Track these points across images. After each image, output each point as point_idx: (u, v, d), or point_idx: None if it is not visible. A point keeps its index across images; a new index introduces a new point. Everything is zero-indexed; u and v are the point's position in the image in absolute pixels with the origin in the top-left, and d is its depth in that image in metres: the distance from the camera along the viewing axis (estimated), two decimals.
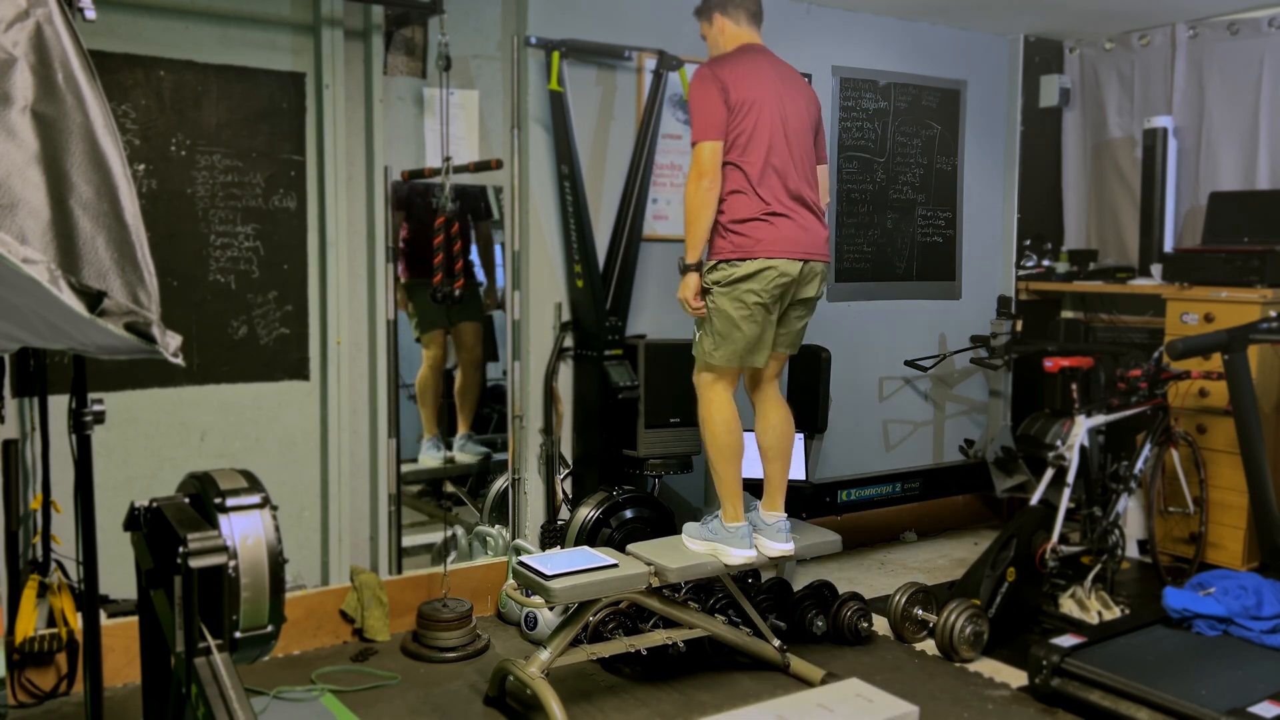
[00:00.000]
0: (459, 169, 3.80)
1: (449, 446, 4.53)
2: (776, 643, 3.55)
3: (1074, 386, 4.13)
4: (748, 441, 3.54)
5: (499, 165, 3.88)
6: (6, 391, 3.14)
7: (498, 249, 4.44)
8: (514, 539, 4.20)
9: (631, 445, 4.14)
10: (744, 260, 3.24)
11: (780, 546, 3.41)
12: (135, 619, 2.31)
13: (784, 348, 3.47)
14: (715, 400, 3.37)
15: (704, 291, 3.32)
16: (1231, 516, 4.51)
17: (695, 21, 4.46)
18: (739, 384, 3.45)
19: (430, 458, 4.47)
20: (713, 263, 3.30)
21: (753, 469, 3.73)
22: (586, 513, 3.94)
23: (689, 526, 3.49)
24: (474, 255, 4.52)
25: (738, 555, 3.33)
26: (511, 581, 3.70)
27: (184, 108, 3.51)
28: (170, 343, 1.46)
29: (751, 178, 3.26)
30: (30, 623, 3.14)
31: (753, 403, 3.54)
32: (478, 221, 4.45)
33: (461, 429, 4.55)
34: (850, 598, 3.85)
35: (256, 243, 3.67)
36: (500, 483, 4.32)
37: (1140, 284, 5.04)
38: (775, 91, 3.32)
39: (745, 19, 3.46)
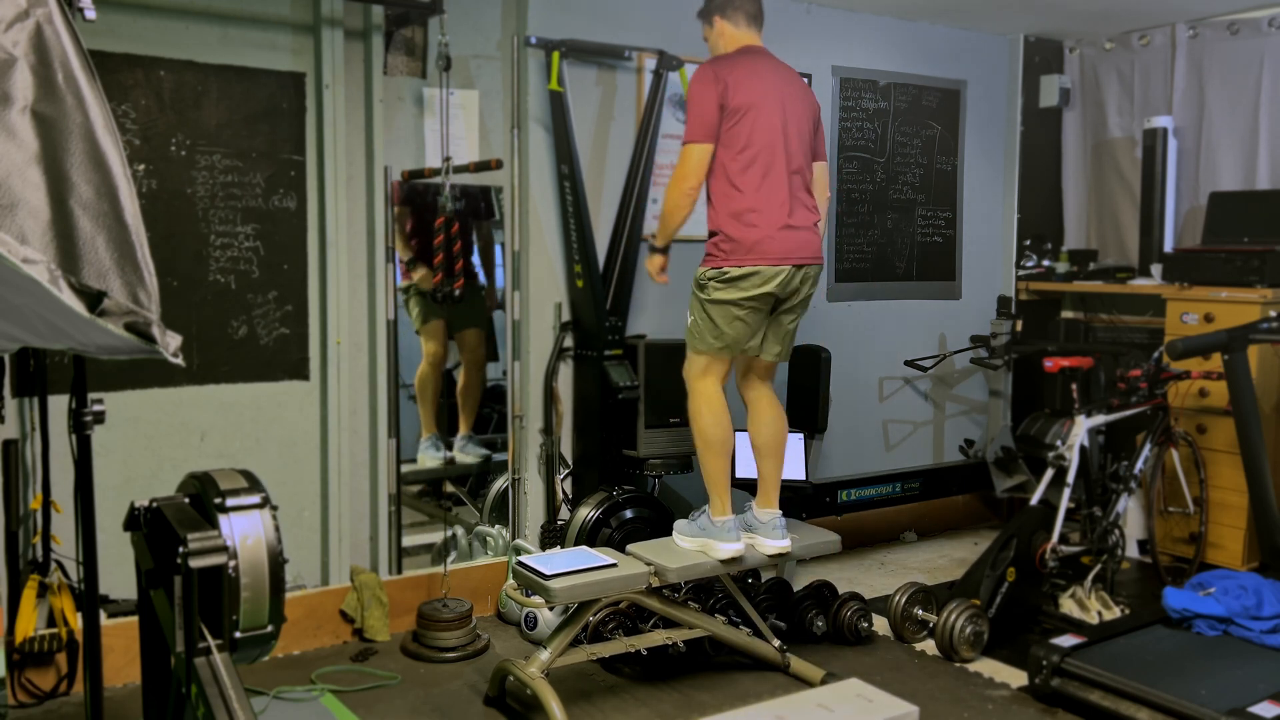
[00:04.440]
0: (459, 169, 3.80)
1: (449, 446, 4.53)
2: (776, 643, 3.55)
3: (1074, 386, 4.13)
4: (742, 441, 3.54)
5: (499, 165, 3.88)
6: (6, 391, 3.14)
7: (498, 249, 4.44)
8: (514, 539, 4.20)
9: (631, 445, 4.14)
10: (738, 265, 3.27)
11: (776, 544, 3.41)
12: (135, 619, 2.31)
13: (774, 354, 3.47)
14: (704, 393, 3.39)
15: (698, 286, 3.36)
16: (1231, 516, 4.51)
17: (695, 22, 4.46)
18: (731, 380, 3.47)
19: (429, 457, 4.48)
20: (707, 267, 3.33)
21: (747, 469, 3.74)
22: (586, 513, 3.94)
23: (679, 524, 3.50)
24: (474, 256, 4.52)
25: (726, 549, 3.34)
26: (511, 581, 3.70)
27: (184, 108, 3.51)
28: (170, 343, 1.46)
29: (748, 180, 3.27)
30: (30, 623, 3.14)
31: (745, 401, 3.55)
32: (479, 222, 4.46)
33: (463, 429, 4.55)
34: (850, 598, 3.85)
35: (256, 243, 3.67)
36: (500, 483, 4.32)
37: (1140, 284, 5.04)
38: (775, 93, 3.32)
39: (745, 21, 3.46)
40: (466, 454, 4.54)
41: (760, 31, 3.51)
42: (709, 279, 3.31)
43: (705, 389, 3.39)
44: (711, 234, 3.35)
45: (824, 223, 3.52)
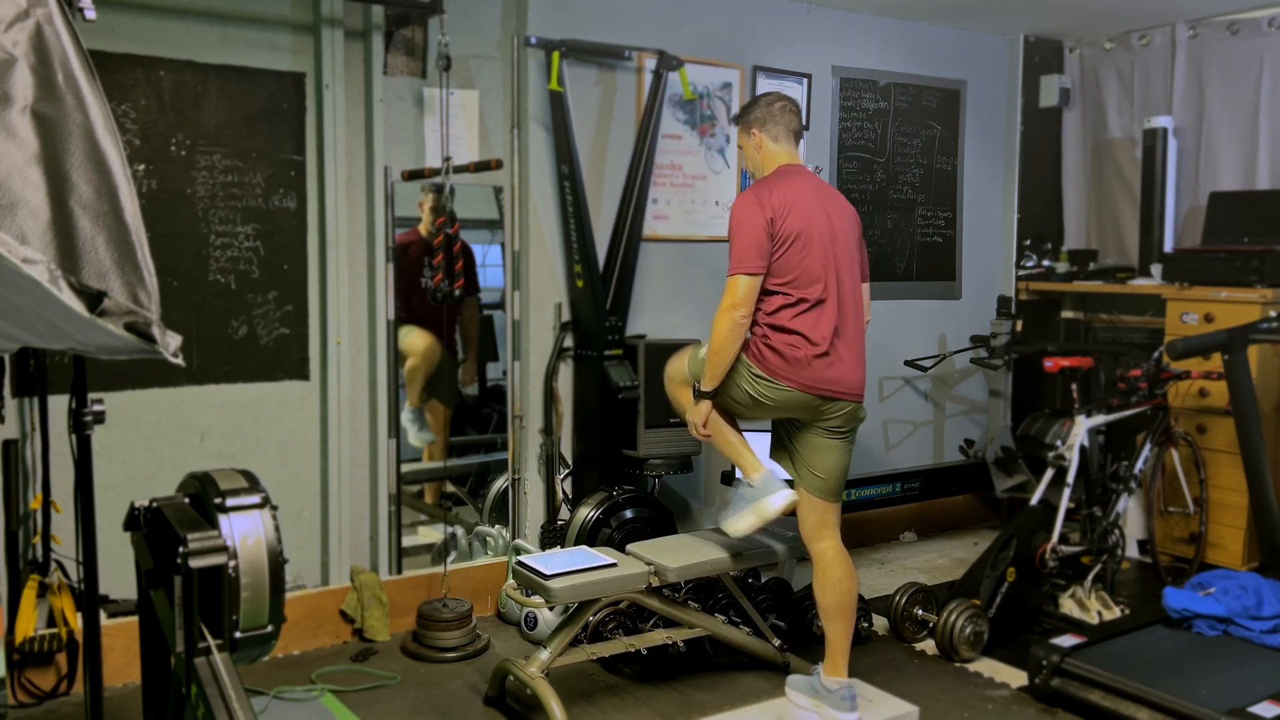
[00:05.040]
0: (459, 169, 3.80)
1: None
2: (776, 642, 3.55)
3: (1074, 386, 4.13)
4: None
5: (499, 165, 3.88)
6: (6, 391, 3.14)
7: (488, 250, 4.43)
8: (514, 539, 4.20)
9: (631, 445, 4.14)
10: (770, 376, 3.09)
11: (846, 716, 3.15)
12: (135, 619, 2.31)
13: (812, 488, 3.19)
14: (690, 393, 3.26)
15: (731, 369, 3.14)
16: (1231, 516, 4.51)
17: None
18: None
19: (413, 433, 4.39)
20: (747, 360, 3.12)
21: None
22: (586, 513, 3.94)
23: (722, 516, 3.29)
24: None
25: (778, 500, 3.11)
26: (511, 581, 3.70)
27: (184, 108, 3.51)
28: (170, 343, 1.46)
29: (801, 310, 3.07)
30: (30, 623, 3.14)
31: (810, 554, 3.27)
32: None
33: (411, 403, 4.43)
34: None
35: (256, 243, 3.67)
36: (500, 483, 4.32)
37: (1140, 284, 5.04)
38: (823, 218, 3.12)
39: (785, 137, 3.23)
40: (413, 434, 4.45)
41: (799, 147, 3.29)
42: (743, 363, 3.12)
43: (689, 392, 3.28)
44: (755, 330, 3.12)
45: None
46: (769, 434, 3.75)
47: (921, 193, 5.32)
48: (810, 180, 3.21)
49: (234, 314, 3.65)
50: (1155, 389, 4.26)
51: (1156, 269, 4.99)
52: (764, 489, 3.14)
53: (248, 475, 2.03)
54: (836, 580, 3.18)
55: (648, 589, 3.29)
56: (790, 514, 3.20)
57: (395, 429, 3.92)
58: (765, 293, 3.08)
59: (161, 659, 2.03)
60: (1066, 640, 3.43)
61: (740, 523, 3.19)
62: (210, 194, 3.57)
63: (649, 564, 3.28)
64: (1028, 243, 5.58)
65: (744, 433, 3.26)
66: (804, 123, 3.35)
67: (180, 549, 1.81)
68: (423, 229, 4.13)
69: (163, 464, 3.54)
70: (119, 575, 3.30)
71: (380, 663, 3.64)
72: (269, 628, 1.93)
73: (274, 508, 1.98)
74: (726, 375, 3.13)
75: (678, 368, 3.33)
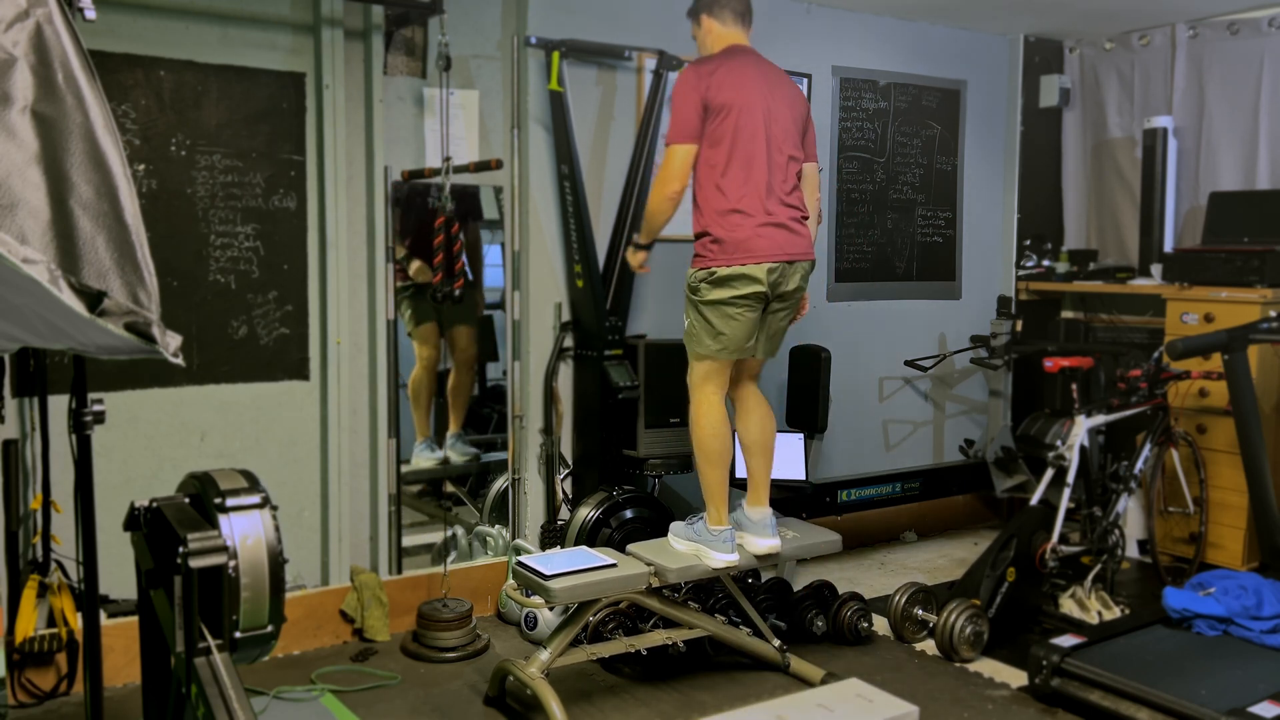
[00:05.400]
0: (459, 169, 3.80)
1: (441, 445, 4.52)
2: (776, 643, 3.55)
3: (1074, 386, 4.13)
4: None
5: (499, 165, 3.88)
6: (6, 391, 3.14)
7: (488, 249, 4.44)
8: (514, 539, 4.20)
9: (631, 445, 4.14)
10: (726, 266, 3.25)
11: (766, 543, 3.40)
12: (135, 619, 2.31)
13: (763, 351, 3.46)
14: (705, 402, 3.37)
15: (691, 289, 3.34)
16: (1231, 516, 4.51)
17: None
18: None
19: (423, 459, 4.46)
20: (695, 269, 3.32)
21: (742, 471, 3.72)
22: (586, 513, 3.94)
23: (674, 526, 3.49)
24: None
25: (720, 559, 3.32)
26: (511, 581, 3.70)
27: (184, 108, 3.51)
28: (170, 343, 1.46)
29: (730, 180, 3.27)
30: (30, 623, 3.14)
31: (733, 400, 3.54)
32: (468, 223, 4.44)
33: (453, 428, 4.54)
34: (850, 598, 3.85)
35: (256, 243, 3.67)
36: (500, 483, 4.32)
37: (1140, 284, 5.04)
38: (759, 93, 3.31)
39: (731, 19, 3.44)
40: (455, 452, 4.53)
41: (748, 30, 3.49)
42: (700, 281, 3.30)
43: (706, 397, 3.37)
44: (698, 235, 3.34)
45: (815, 223, 3.50)
46: (798, 436, 3.83)
47: (921, 193, 5.32)
48: (753, 57, 3.40)
49: (234, 314, 3.65)
50: (1155, 389, 4.26)
51: (1156, 269, 4.99)
52: (714, 542, 3.35)
53: (248, 475, 2.03)
54: (760, 419, 3.48)
55: (648, 589, 3.29)
56: (796, 517, 3.25)
57: (395, 429, 3.92)
58: (703, 177, 3.29)
59: (161, 659, 2.03)
60: (1066, 640, 3.43)
61: (680, 546, 3.41)
62: (210, 194, 3.57)
63: (649, 564, 3.28)
64: (1028, 243, 5.58)
65: (780, 433, 3.37)
66: (750, 3, 3.52)
67: (180, 549, 1.81)
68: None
69: (163, 464, 3.54)
70: (119, 575, 3.30)
71: (380, 663, 3.64)
72: (269, 628, 1.93)
73: (274, 508, 1.98)
74: (695, 320, 3.32)
75: (688, 352, 3.45)
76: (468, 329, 4.57)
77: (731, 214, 3.26)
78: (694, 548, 3.37)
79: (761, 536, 3.41)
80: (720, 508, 3.38)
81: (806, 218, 3.41)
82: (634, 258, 3.58)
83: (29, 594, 3.16)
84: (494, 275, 4.43)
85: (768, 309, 3.38)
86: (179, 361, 1.49)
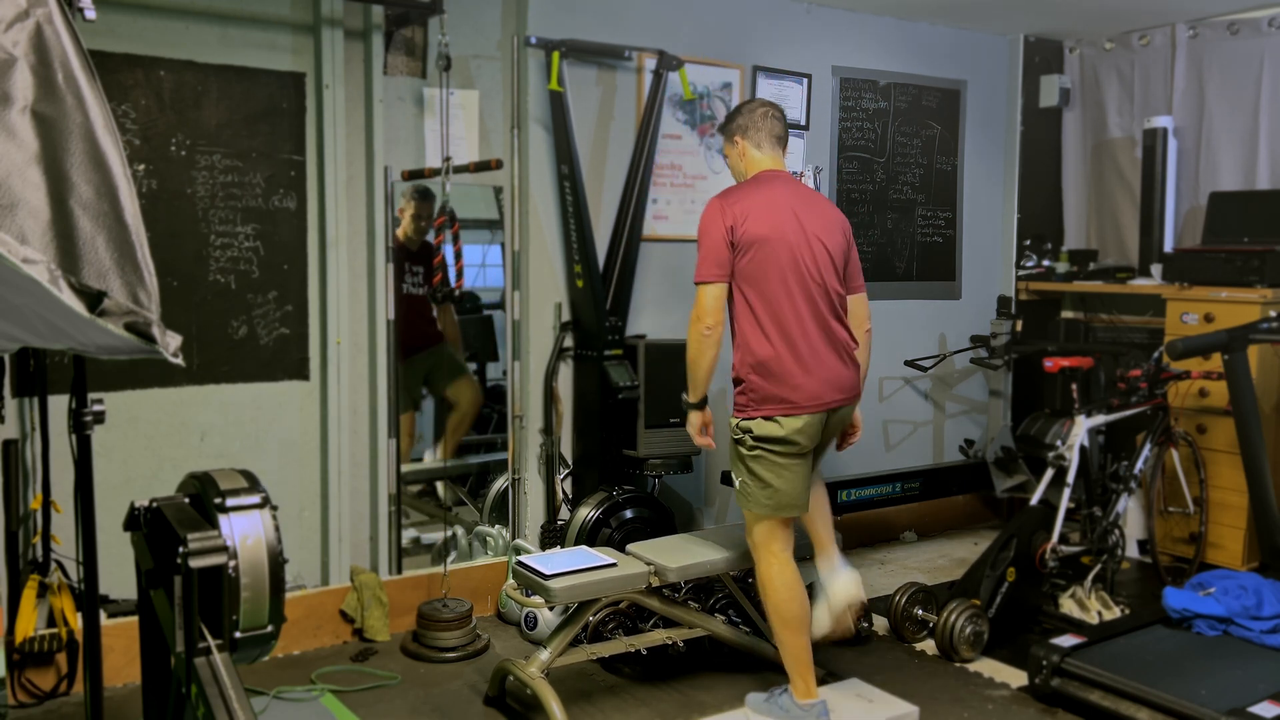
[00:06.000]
0: (459, 169, 3.80)
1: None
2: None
3: (1074, 386, 4.13)
4: None
5: (499, 165, 3.88)
6: (6, 391, 3.14)
7: (488, 249, 4.42)
8: (514, 539, 4.20)
9: (631, 445, 4.14)
10: (768, 419, 3.02)
11: (846, 574, 3.29)
12: (135, 619, 2.32)
13: (784, 510, 3.16)
14: (775, 562, 3.10)
15: (735, 441, 3.10)
16: (1231, 516, 4.51)
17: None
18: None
19: (432, 458, 4.46)
20: (739, 418, 3.08)
21: None
22: (586, 513, 3.94)
23: (752, 699, 3.22)
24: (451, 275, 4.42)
25: None
26: (511, 581, 3.70)
27: (184, 108, 3.51)
28: (170, 343, 1.46)
29: (769, 319, 3.03)
30: (30, 623, 3.14)
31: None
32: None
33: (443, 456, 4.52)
34: None
35: (256, 243, 3.67)
36: (500, 483, 4.32)
37: (1140, 284, 5.04)
38: (794, 223, 3.06)
39: (769, 144, 3.21)
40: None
41: (784, 154, 3.27)
42: (743, 432, 3.06)
43: (775, 555, 3.10)
44: (736, 381, 3.09)
45: (865, 356, 3.27)
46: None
47: (921, 193, 5.32)
48: (787, 185, 3.16)
49: (234, 314, 3.65)
50: (1155, 389, 4.26)
51: (1156, 269, 4.99)
52: (806, 718, 3.09)
53: (248, 475, 2.03)
54: (796, 590, 3.12)
55: (648, 589, 3.29)
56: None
57: (395, 429, 3.92)
58: (741, 317, 3.06)
59: (161, 659, 2.03)
60: (1066, 640, 3.43)
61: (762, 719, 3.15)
62: (210, 194, 3.57)
63: (649, 564, 3.28)
64: (1028, 243, 5.58)
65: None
66: (789, 127, 3.32)
67: (180, 549, 1.81)
68: (400, 234, 4.01)
69: (163, 464, 3.54)
70: (119, 575, 3.30)
71: (380, 663, 3.64)
72: (269, 628, 1.93)
73: (274, 508, 1.98)
74: (748, 474, 3.06)
75: (746, 517, 3.21)
76: (469, 386, 4.52)
77: (770, 362, 3.02)
78: None
79: (841, 575, 3.29)
80: (808, 678, 3.09)
81: (852, 350, 3.16)
82: (693, 423, 3.18)
83: (29, 594, 3.16)
84: (494, 275, 4.42)
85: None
86: (179, 361, 1.49)
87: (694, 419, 3.18)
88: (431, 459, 4.50)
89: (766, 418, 3.02)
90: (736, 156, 3.25)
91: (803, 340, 3.03)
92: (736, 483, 3.14)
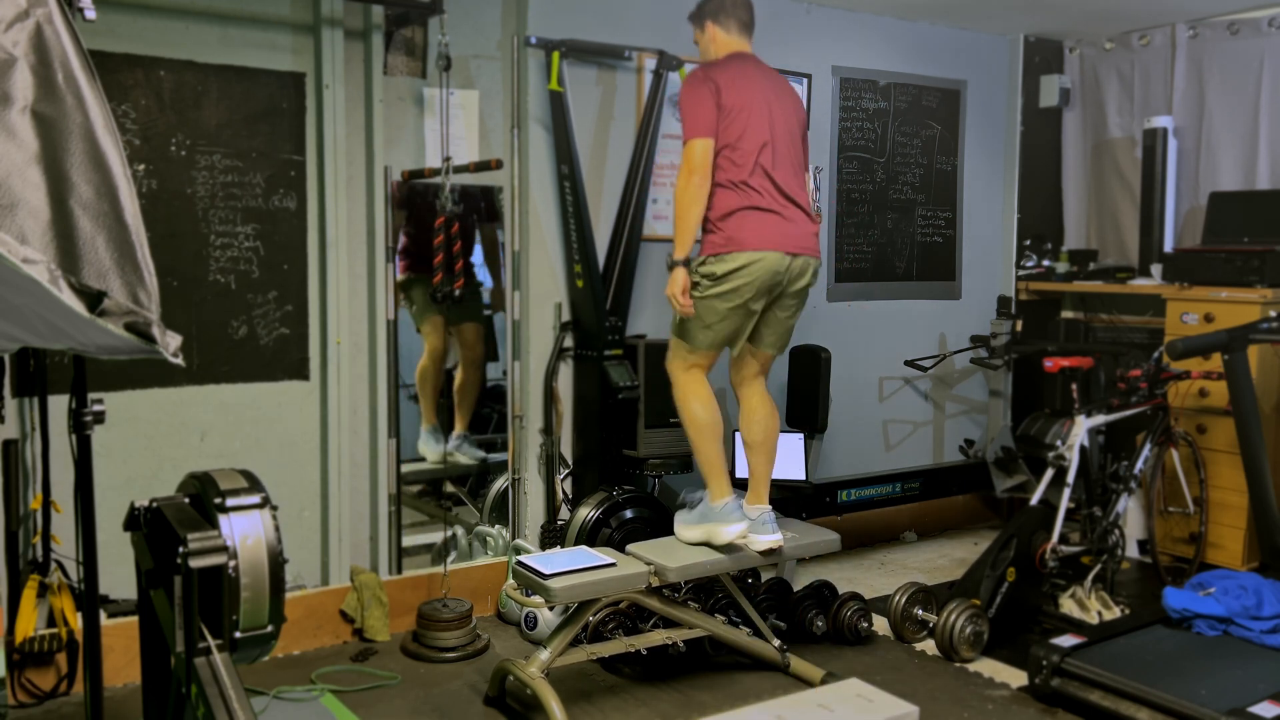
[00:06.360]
0: (459, 169, 3.80)
1: (446, 442, 4.52)
2: (776, 643, 3.55)
3: (1074, 386, 4.13)
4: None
5: (499, 165, 3.88)
6: (6, 391, 3.14)
7: (502, 251, 4.43)
8: (514, 539, 4.20)
9: (631, 445, 4.14)
10: (733, 253, 3.28)
11: (767, 539, 3.40)
12: (135, 619, 2.31)
13: (771, 346, 3.50)
14: (691, 383, 3.42)
15: (692, 285, 3.34)
16: (1231, 516, 4.51)
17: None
18: (717, 374, 3.49)
19: (429, 449, 4.45)
20: (702, 257, 3.34)
21: (747, 469, 3.71)
22: (586, 513, 3.94)
23: (679, 515, 3.49)
24: (477, 257, 4.50)
25: (730, 531, 3.33)
26: (511, 581, 3.70)
27: (184, 108, 3.51)
28: (170, 343, 1.46)
29: (742, 174, 3.31)
30: (30, 623, 3.14)
31: (738, 397, 3.58)
32: (483, 224, 4.45)
33: (459, 428, 4.54)
34: (850, 598, 3.85)
35: (256, 243, 3.67)
36: (500, 483, 4.32)
37: (1140, 284, 5.04)
38: (765, 97, 3.38)
39: (736, 28, 3.51)
40: (462, 454, 4.53)
41: (750, 39, 3.55)
42: (701, 275, 3.31)
43: (692, 379, 3.42)
44: (705, 228, 3.37)
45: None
46: (799, 436, 3.81)
47: (921, 193, 5.32)
48: (757, 64, 3.47)
49: (234, 314, 3.65)
50: (1155, 389, 4.26)
51: (1156, 269, 4.99)
52: (723, 516, 3.36)
53: (248, 475, 2.03)
54: (763, 418, 3.49)
55: (648, 589, 3.29)
56: (796, 517, 3.23)
57: (395, 429, 3.92)
58: (714, 174, 3.31)
59: (161, 659, 2.03)
60: (1066, 640, 3.43)
61: (690, 533, 3.42)
62: (210, 194, 3.57)
63: (649, 564, 3.28)
64: (1028, 243, 5.58)
65: (781, 433, 3.41)
66: (753, 14, 3.59)
67: (180, 549, 1.81)
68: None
69: (163, 464, 3.54)
70: (119, 575, 3.30)
71: (380, 663, 3.64)
72: (269, 628, 1.93)
73: (274, 508, 1.98)
74: (695, 303, 3.31)
75: (672, 343, 3.48)
76: (474, 326, 4.56)
77: (739, 210, 3.30)
78: (703, 530, 3.38)
79: (762, 533, 3.41)
80: (721, 481, 3.39)
81: (811, 213, 3.46)
82: (676, 282, 3.29)
83: (29, 594, 3.16)
84: (501, 276, 4.43)
85: (771, 305, 3.39)
86: (179, 361, 1.49)
87: (679, 276, 3.30)
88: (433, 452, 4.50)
89: (731, 253, 3.27)
90: (707, 40, 3.54)
91: (774, 197, 3.32)
92: (676, 318, 3.40)
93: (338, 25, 3.70)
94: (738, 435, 3.70)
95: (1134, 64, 5.33)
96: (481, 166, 3.87)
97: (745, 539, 3.38)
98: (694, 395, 3.41)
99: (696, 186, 3.30)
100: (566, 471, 4.24)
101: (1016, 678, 3.54)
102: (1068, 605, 3.98)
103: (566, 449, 4.26)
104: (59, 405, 3.18)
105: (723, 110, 3.31)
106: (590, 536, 3.88)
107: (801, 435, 4.33)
